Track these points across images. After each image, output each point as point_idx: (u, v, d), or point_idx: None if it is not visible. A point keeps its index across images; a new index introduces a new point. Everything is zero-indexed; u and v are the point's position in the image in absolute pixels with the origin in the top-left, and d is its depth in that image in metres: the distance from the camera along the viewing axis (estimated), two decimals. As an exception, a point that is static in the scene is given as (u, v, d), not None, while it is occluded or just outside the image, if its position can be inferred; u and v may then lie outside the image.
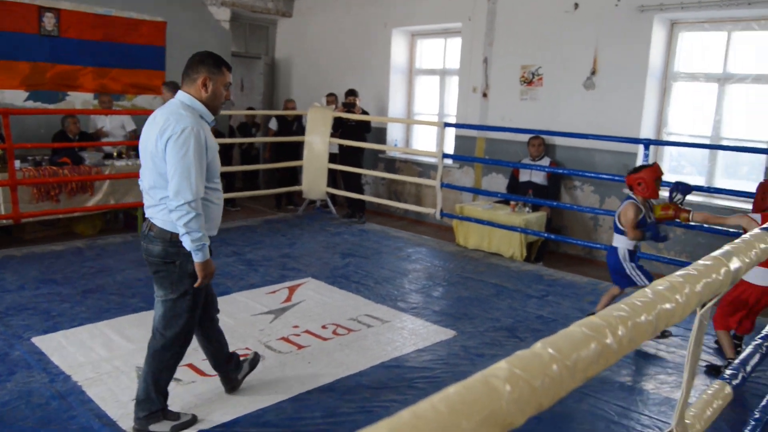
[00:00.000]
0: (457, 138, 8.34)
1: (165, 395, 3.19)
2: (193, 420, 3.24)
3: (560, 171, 6.73)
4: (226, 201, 8.90)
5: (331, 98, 8.82)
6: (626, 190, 4.49)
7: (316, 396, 3.52)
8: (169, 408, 3.23)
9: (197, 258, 2.92)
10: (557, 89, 7.29)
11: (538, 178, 7.02)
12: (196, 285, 3.01)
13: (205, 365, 3.82)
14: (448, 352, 4.18)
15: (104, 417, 3.23)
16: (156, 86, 9.13)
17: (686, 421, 1.30)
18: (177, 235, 2.92)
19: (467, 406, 0.67)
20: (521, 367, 0.74)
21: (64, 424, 3.15)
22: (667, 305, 0.98)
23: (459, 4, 8.15)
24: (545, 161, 7.01)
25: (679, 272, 1.12)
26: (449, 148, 8.21)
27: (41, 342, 4.08)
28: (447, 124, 7.21)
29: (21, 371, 3.68)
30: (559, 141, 7.20)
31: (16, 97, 8.04)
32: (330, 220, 8.21)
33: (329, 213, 8.55)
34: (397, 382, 3.72)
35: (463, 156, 7.90)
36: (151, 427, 3.11)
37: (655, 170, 4.33)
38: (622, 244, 4.45)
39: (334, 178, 8.73)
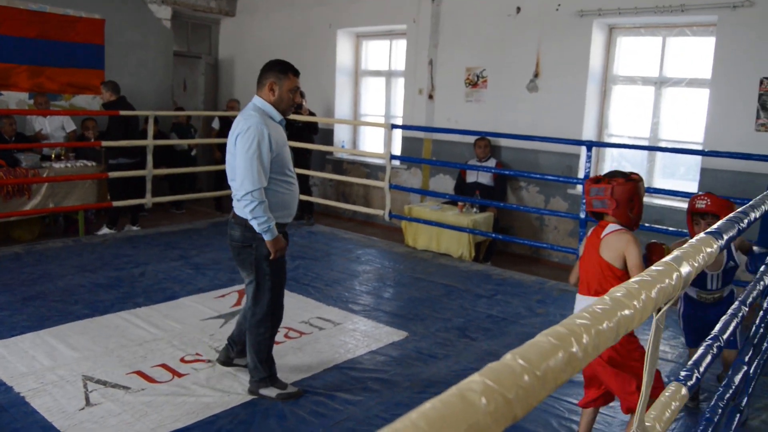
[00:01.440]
0: (404, 139, 8.40)
1: (269, 364, 3.57)
2: (298, 393, 3.56)
3: (506, 172, 6.87)
4: (173, 204, 8.74)
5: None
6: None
7: (269, 401, 3.50)
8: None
9: (266, 237, 3.32)
10: (501, 91, 7.43)
11: (485, 179, 7.14)
12: (271, 258, 3.39)
13: (156, 372, 3.76)
14: (401, 353, 4.21)
15: (50, 428, 3.14)
16: (95, 85, 8.87)
17: (647, 423, 1.36)
18: None
19: (446, 421, 0.68)
20: (494, 379, 0.76)
21: (8, 438, 3.05)
22: (626, 311, 1.03)
23: (404, 6, 8.21)
24: (491, 162, 7.13)
25: (633, 279, 1.17)
26: (396, 149, 8.27)
27: (-21, 353, 3.93)
28: (394, 126, 7.27)
29: (-42, 385, 3.54)
30: (504, 142, 7.34)
31: (-55, 96, 7.71)
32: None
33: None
34: (351, 385, 3.73)
35: (410, 157, 7.97)
36: (261, 391, 3.54)
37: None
38: None
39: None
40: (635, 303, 1.05)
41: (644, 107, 6.72)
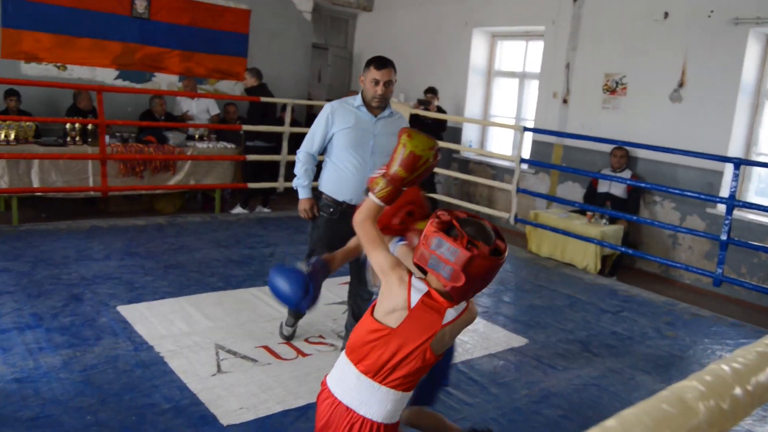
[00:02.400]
0: (534, 143, 8.23)
1: None
2: None
3: (641, 185, 6.56)
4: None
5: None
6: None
7: (389, 390, 3.54)
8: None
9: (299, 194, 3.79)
10: (642, 100, 7.11)
11: (618, 190, 6.87)
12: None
13: (282, 349, 3.91)
14: (520, 360, 4.14)
15: (185, 389, 3.33)
16: (237, 72, 9.36)
17: None
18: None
19: (668, 421, 0.66)
20: (708, 387, 0.73)
21: (148, 392, 3.27)
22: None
23: (543, 6, 8.03)
24: (626, 173, 6.85)
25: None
26: (525, 152, 8.12)
27: (126, 311, 4.25)
28: (526, 129, 7.12)
29: (108, 337, 3.84)
30: (641, 153, 7.02)
31: (107, 75, 8.37)
32: (400, 217, 8.22)
33: (399, 209, 8.56)
34: (468, 385, 3.71)
35: (541, 162, 7.78)
36: None
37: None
38: None
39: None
40: None
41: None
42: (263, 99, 7.40)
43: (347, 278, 5.28)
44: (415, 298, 1.86)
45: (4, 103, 7.01)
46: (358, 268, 3.68)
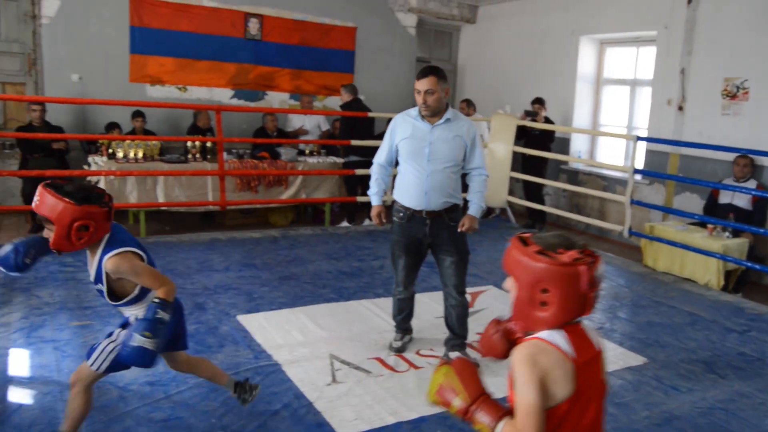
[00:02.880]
0: (648, 153, 7.91)
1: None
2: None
3: (768, 195, 6.16)
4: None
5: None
6: None
7: (504, 402, 3.49)
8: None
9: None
10: (766, 105, 6.68)
11: (742, 201, 6.47)
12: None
13: (394, 361, 3.96)
14: (639, 379, 3.98)
15: (302, 398, 3.43)
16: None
17: None
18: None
19: None
20: None
21: (268, 398, 3.39)
22: None
23: (654, 10, 7.73)
24: (751, 183, 6.44)
25: None
26: (638, 162, 7.81)
27: (245, 320, 4.44)
28: (640, 138, 6.84)
29: (229, 345, 4.03)
30: (768, 162, 6.60)
31: (223, 95, 8.83)
32: (509, 229, 8.13)
33: (508, 221, 8.48)
34: (585, 403, 3.60)
35: (656, 172, 7.46)
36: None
37: None
38: None
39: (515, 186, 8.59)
40: None
41: None
42: (369, 114, 7.56)
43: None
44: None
45: (131, 123, 7.53)
46: (445, 270, 3.96)
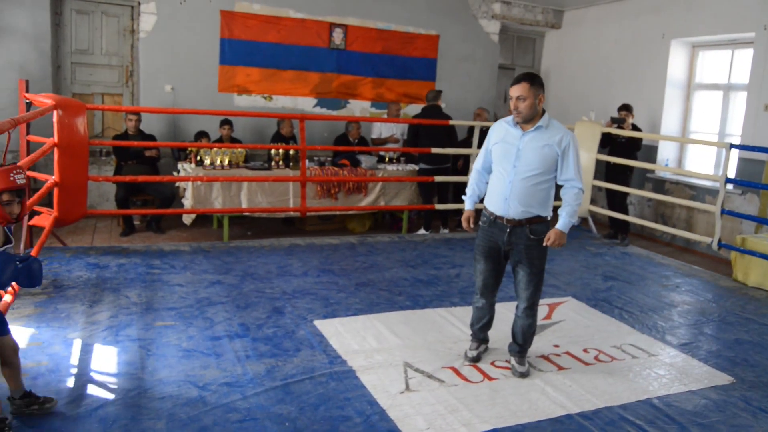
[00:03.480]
0: (740, 161, 7.53)
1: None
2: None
3: None
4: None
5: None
6: None
7: (576, 422, 3.43)
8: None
9: None
10: None
11: (844, 213, 6.08)
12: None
13: (468, 371, 3.95)
14: (724, 400, 3.80)
15: (375, 405, 3.47)
16: (424, 96, 9.63)
17: None
18: None
19: None
20: None
21: (341, 404, 3.45)
22: None
23: (751, 11, 7.36)
24: None
25: None
26: (730, 171, 7.45)
27: (322, 325, 4.53)
28: (734, 146, 6.52)
29: (305, 350, 4.12)
30: None
31: (307, 104, 9.04)
32: (590, 239, 7.94)
33: (589, 231, 8.27)
34: (665, 423, 3.47)
35: (751, 182, 7.08)
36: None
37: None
38: None
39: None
40: None
41: None
42: (450, 122, 7.57)
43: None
44: None
45: (219, 132, 7.85)
46: (518, 282, 3.95)
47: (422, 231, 7.80)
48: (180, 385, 3.52)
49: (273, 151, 7.45)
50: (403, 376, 3.84)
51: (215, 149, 7.17)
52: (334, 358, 4.01)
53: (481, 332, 4.17)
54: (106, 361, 3.81)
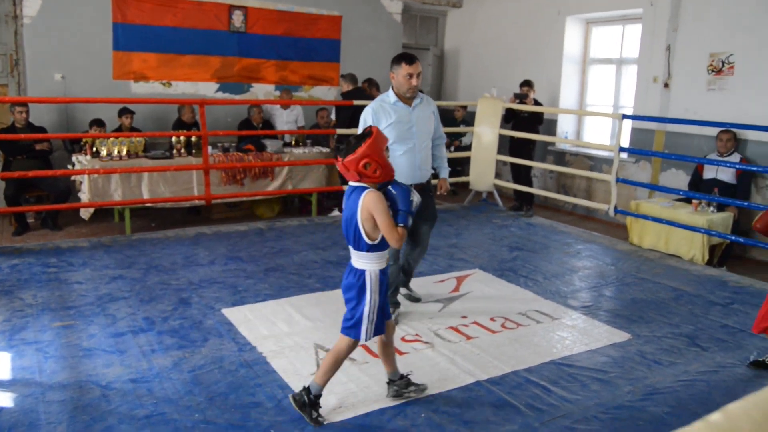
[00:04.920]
0: (634, 131, 7.91)
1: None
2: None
3: (752, 168, 6.16)
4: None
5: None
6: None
7: (486, 387, 3.52)
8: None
9: None
10: (751, 79, 6.68)
11: (726, 175, 6.49)
12: None
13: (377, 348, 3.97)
14: (623, 355, 4.00)
15: (286, 388, 3.44)
16: (331, 77, 9.58)
17: None
18: None
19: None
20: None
21: (251, 390, 3.41)
22: None
23: (641, -12, 7.71)
24: (735, 157, 6.45)
25: None
26: (624, 141, 7.81)
27: (230, 313, 4.45)
28: (625, 116, 6.83)
29: (213, 339, 4.04)
30: (751, 135, 6.59)
31: (208, 89, 8.79)
32: (496, 212, 8.15)
33: (495, 205, 8.48)
34: (568, 382, 3.63)
35: (642, 150, 7.46)
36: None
37: (379, 139, 3.00)
38: (373, 264, 3.13)
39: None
40: None
41: None
42: (356, 102, 7.52)
43: (441, 276, 5.34)
44: None
45: (118, 121, 7.51)
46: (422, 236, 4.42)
47: (335, 212, 7.77)
48: (81, 386, 3.37)
49: (174, 139, 7.20)
50: (315, 357, 3.83)
51: (112, 139, 6.87)
52: (243, 346, 3.95)
53: (392, 296, 4.37)
54: (1, 367, 3.61)
